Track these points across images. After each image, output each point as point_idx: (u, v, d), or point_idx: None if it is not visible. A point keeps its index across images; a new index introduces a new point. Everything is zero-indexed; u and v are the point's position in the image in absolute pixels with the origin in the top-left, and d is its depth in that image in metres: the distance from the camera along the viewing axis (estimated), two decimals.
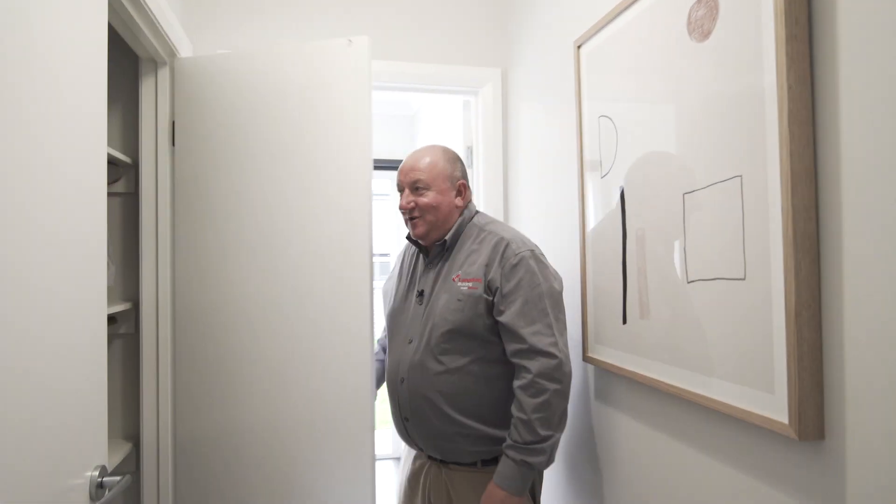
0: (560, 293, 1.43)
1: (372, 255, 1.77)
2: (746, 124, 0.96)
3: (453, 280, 1.45)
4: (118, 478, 1.13)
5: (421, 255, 1.59)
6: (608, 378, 1.49)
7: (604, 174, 1.44)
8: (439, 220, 1.50)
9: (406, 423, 1.48)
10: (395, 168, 1.70)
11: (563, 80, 1.75)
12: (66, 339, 0.99)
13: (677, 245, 1.14)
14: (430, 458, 1.49)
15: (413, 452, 1.58)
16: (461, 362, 1.41)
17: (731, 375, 1.00)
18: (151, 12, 1.61)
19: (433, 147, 1.57)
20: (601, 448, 1.52)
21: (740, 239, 0.97)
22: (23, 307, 0.84)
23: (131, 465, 1.81)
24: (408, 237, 1.59)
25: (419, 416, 1.44)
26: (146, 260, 1.80)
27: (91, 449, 1.11)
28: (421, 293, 1.51)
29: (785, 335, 0.88)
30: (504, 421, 1.39)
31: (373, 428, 1.85)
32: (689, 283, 1.11)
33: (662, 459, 1.25)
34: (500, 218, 2.24)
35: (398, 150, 3.86)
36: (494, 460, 1.41)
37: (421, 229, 1.51)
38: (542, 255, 1.46)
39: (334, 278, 1.77)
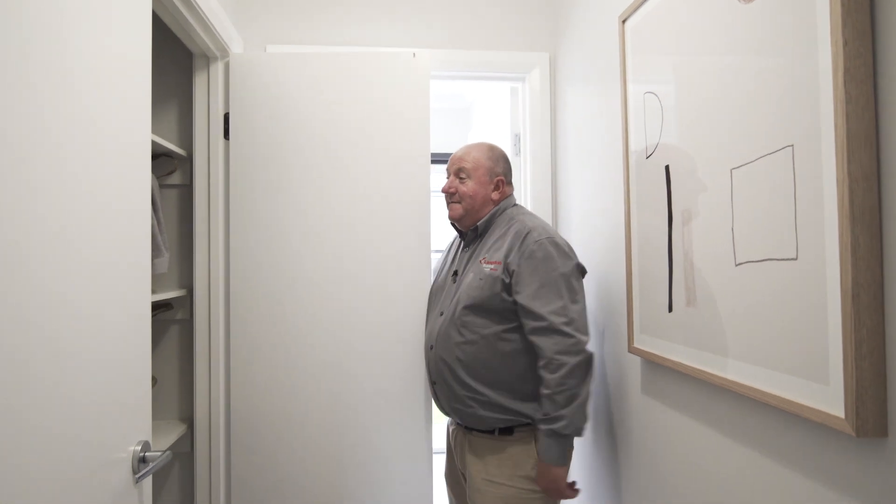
0: (576, 277, 1.53)
1: (430, 247, 1.91)
2: (798, 87, 0.87)
3: (480, 262, 1.59)
4: (159, 452, 1.18)
5: (459, 241, 1.78)
6: (654, 370, 1.41)
7: (648, 154, 1.36)
8: (474, 208, 1.67)
9: (434, 387, 1.65)
10: None
11: (608, 59, 1.67)
12: (111, 323, 1.04)
13: (725, 225, 1.06)
14: (457, 424, 1.65)
15: (451, 427, 1.75)
16: (478, 335, 1.54)
17: (782, 365, 0.91)
18: (201, 10, 1.67)
19: (482, 143, 1.74)
20: (647, 444, 1.44)
21: (791, 215, 0.88)
22: (68, 294, 0.88)
23: (186, 445, 1.89)
24: (450, 222, 1.76)
25: (442, 380, 1.59)
26: (199, 248, 1.88)
27: (135, 425, 1.15)
28: (456, 273, 1.68)
29: (841, 319, 0.79)
30: (515, 392, 1.52)
31: (429, 417, 1.88)
32: (737, 265, 1.03)
33: (710, 456, 1.16)
34: (547, 204, 2.18)
35: (453, 144, 3.83)
36: (510, 430, 1.53)
37: (456, 212, 1.68)
38: (565, 244, 1.56)
39: (390, 269, 1.91)
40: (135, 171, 1.15)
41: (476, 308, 1.54)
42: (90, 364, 0.98)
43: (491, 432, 1.54)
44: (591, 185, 1.86)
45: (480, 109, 3.87)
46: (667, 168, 1.28)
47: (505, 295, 1.51)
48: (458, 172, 1.68)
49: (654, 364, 1.40)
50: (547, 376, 1.44)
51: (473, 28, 2.20)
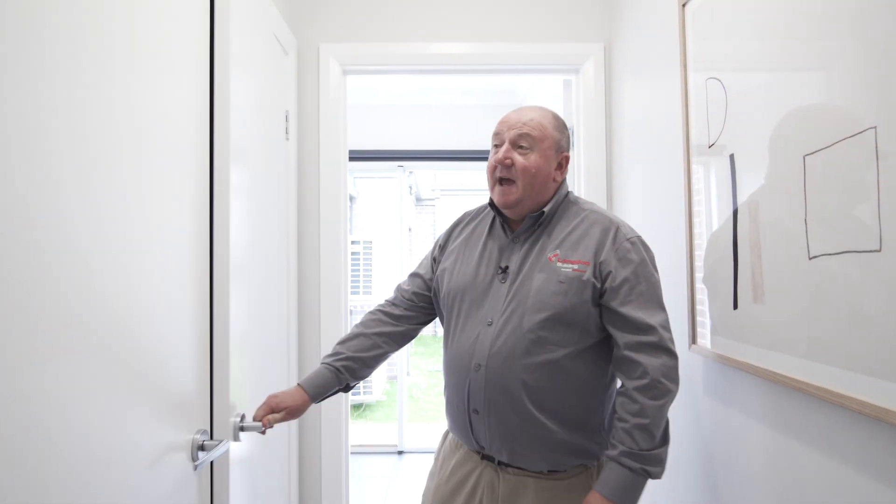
0: None
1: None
2: (883, 62, 0.80)
3: (551, 260, 1.24)
4: (217, 442, 1.21)
5: (498, 227, 1.35)
6: (719, 371, 1.34)
7: (711, 143, 1.29)
8: (535, 190, 1.27)
9: (473, 416, 1.26)
10: None
11: (667, 46, 1.60)
12: (172, 312, 1.07)
13: (797, 216, 0.99)
14: (483, 458, 1.28)
15: (454, 456, 1.35)
16: (556, 354, 1.21)
17: (863, 366, 0.84)
18: (263, 18, 1.71)
19: (544, 108, 1.33)
20: (711, 449, 1.37)
21: (874, 202, 0.81)
22: (133, 287, 0.92)
23: None
24: (490, 205, 1.36)
25: (494, 409, 1.22)
26: None
27: (194, 414, 1.19)
28: (505, 269, 1.29)
29: None
30: (583, 427, 1.23)
31: None
32: (811, 259, 0.95)
33: (781, 462, 1.09)
34: (602, 199, 2.12)
35: None
36: (564, 469, 1.24)
37: (513, 197, 1.26)
38: None
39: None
40: (196, 172, 1.18)
41: (556, 319, 1.20)
42: (153, 355, 1.01)
43: (538, 472, 1.24)
44: (648, 179, 1.80)
45: (532, 104, 3.81)
46: (731, 157, 1.21)
47: (592, 304, 1.21)
48: (517, 140, 1.26)
49: (718, 364, 1.33)
50: (646, 402, 1.14)
51: (525, 20, 2.16)
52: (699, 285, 1.38)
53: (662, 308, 1.22)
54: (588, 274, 1.21)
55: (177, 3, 1.13)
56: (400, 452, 4.28)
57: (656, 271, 1.26)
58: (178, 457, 1.10)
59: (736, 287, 1.19)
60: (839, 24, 0.89)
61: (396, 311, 1.46)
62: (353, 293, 6.66)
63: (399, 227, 4.72)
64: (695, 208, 1.39)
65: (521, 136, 1.25)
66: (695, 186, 1.39)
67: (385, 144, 3.99)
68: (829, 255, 0.91)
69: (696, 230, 1.38)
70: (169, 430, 1.07)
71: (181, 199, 1.14)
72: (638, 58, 1.88)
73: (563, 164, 1.32)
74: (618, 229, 1.25)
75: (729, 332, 1.23)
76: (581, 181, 2.17)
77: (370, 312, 1.47)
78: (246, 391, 1.43)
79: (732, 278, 1.20)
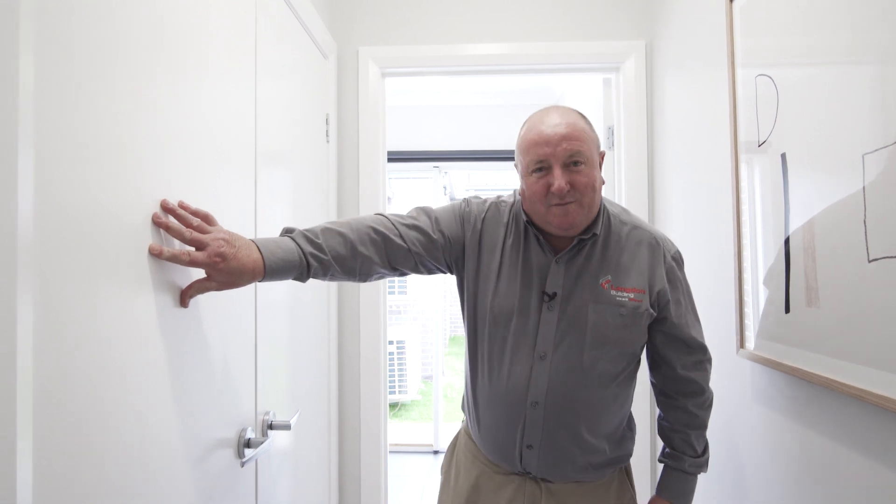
0: None
1: None
2: None
3: (604, 286, 1.14)
4: (262, 438, 1.24)
5: (534, 243, 1.19)
6: (769, 376, 1.30)
7: (761, 141, 1.25)
8: (594, 203, 1.13)
9: (525, 451, 1.19)
10: None
11: (713, 43, 1.56)
12: (225, 323, 1.10)
13: (855, 217, 0.95)
14: (517, 474, 1.24)
15: (470, 476, 1.29)
16: (613, 384, 1.19)
17: None
18: (302, 21, 1.74)
19: (568, 108, 1.16)
20: (761, 460, 1.33)
21: None
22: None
23: None
24: (528, 222, 1.18)
25: (552, 444, 1.18)
26: None
27: (241, 412, 1.22)
28: (553, 296, 1.15)
29: None
30: (621, 436, 1.25)
31: None
32: (870, 261, 0.92)
33: (838, 474, 1.05)
34: (643, 198, 2.08)
35: None
36: (606, 476, 1.26)
37: (575, 217, 1.10)
38: None
39: None
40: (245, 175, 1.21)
41: (616, 352, 1.16)
42: (202, 357, 1.04)
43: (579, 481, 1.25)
44: (692, 178, 1.75)
45: (570, 102, 3.77)
46: (783, 156, 1.17)
47: (645, 333, 1.20)
48: (570, 160, 1.08)
49: (768, 369, 1.29)
50: (704, 413, 1.27)
51: (563, 18, 2.14)
52: (747, 287, 1.34)
53: (699, 318, 1.28)
54: (646, 304, 1.16)
55: (224, 14, 1.16)
56: (436, 452, 4.30)
57: None
58: (226, 453, 1.13)
59: (788, 290, 1.15)
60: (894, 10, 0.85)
61: (397, 244, 1.15)
62: (388, 293, 6.72)
63: None
64: (743, 209, 1.35)
65: (571, 154, 1.08)
66: (743, 186, 1.35)
67: (420, 145, 4.01)
68: (891, 257, 0.87)
69: (744, 231, 1.35)
70: (218, 427, 1.10)
71: (239, 210, 1.18)
72: (681, 55, 1.84)
73: (601, 162, 1.17)
74: (663, 247, 1.21)
75: (781, 337, 1.19)
76: (622, 181, 2.13)
77: (379, 217, 1.17)
78: (282, 390, 1.46)
79: (784, 281, 1.16)
